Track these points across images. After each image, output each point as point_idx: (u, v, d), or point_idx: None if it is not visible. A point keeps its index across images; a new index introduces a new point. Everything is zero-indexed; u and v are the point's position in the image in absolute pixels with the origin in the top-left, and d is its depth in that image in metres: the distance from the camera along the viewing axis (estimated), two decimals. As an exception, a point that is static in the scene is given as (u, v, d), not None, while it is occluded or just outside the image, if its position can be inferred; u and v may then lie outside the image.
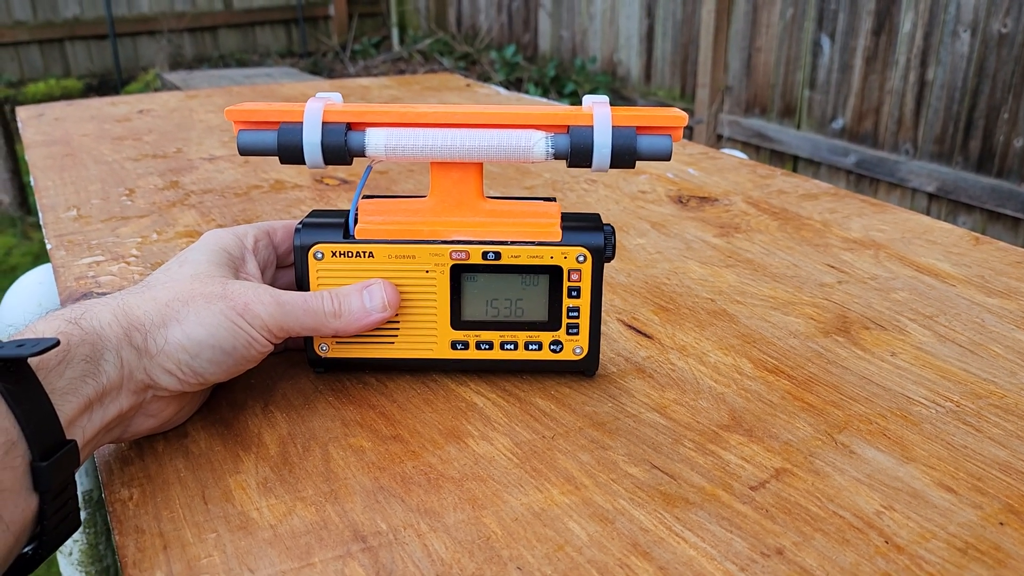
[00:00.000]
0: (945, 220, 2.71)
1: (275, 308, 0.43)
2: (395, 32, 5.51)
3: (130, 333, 0.39)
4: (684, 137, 3.63)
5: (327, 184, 0.89)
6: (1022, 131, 2.43)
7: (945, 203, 2.71)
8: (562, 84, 4.19)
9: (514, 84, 4.41)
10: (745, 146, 3.36)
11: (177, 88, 3.51)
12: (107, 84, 4.93)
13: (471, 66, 4.81)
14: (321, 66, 5.19)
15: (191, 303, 0.41)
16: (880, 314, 0.59)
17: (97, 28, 4.92)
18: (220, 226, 0.76)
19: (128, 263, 0.68)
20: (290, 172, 0.93)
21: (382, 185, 0.89)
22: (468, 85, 1.47)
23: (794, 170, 3.17)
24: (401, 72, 4.94)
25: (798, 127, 3.12)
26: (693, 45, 3.50)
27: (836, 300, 0.61)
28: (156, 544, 0.37)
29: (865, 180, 2.93)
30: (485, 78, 4.48)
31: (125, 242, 0.72)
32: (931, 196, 2.74)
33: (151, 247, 0.71)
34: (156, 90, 4.20)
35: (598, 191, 0.87)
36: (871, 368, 0.52)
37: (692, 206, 0.82)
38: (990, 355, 0.54)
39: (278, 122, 0.45)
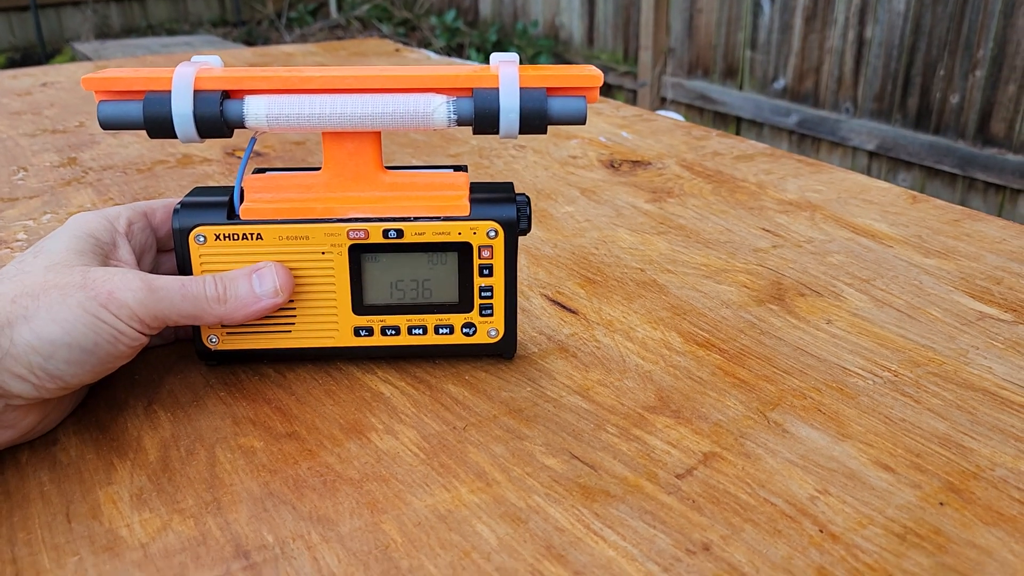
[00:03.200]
0: (885, 177, 2.73)
1: (145, 294, 0.38)
2: (332, -2, 5.36)
3: (-31, 335, 0.34)
4: (627, 101, 3.60)
5: (237, 157, 0.83)
6: (958, 88, 2.45)
7: (885, 160, 2.73)
8: (504, 49, 4.12)
9: (455, 50, 4.33)
10: (689, 108, 3.35)
11: (88, 59, 3.35)
12: (31, 57, 4.72)
13: (411, 32, 4.71)
14: (256, 35, 5.04)
15: (42, 297, 0.36)
16: (815, 279, 0.57)
17: (18, -1, 4.69)
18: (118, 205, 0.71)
19: (12, 248, 0.62)
20: (199, 145, 0.87)
21: (297, 156, 0.84)
22: (397, 50, 1.42)
23: (737, 131, 3.16)
24: (339, 39, 4.82)
25: (740, 88, 3.11)
26: (635, 7, 3.45)
27: (770, 266, 0.59)
28: (6, 573, 0.32)
29: (807, 139, 2.93)
30: (426, 44, 4.39)
31: (11, 226, 0.66)
32: (871, 154, 2.75)
33: (40, 230, 0.65)
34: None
35: (527, 157, 0.83)
36: (806, 338, 0.49)
37: (624, 171, 0.79)
38: (928, 319, 0.51)
39: (143, 91, 0.40)
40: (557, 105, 0.41)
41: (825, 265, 0.59)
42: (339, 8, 5.29)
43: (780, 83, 2.97)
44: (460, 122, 0.41)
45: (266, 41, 4.94)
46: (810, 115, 2.86)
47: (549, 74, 0.41)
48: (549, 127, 0.42)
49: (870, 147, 2.70)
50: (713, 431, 0.41)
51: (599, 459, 0.39)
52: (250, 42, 4.85)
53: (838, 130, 2.78)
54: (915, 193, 0.72)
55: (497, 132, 0.41)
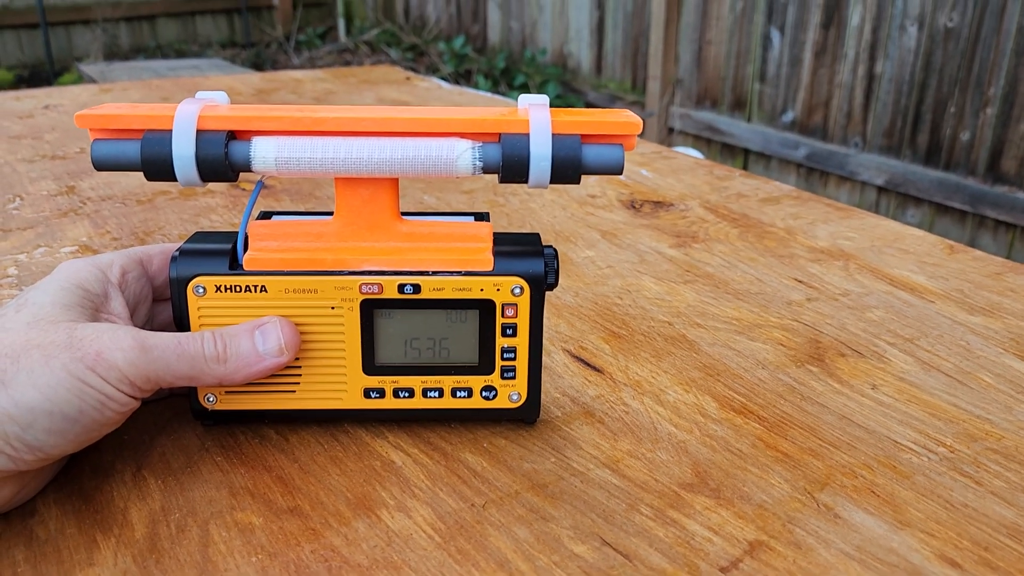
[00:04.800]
0: (894, 213, 2.70)
1: (137, 354, 0.34)
2: (341, 23, 5.37)
3: (-62, 402, 0.31)
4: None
5: (243, 189, 0.80)
6: (968, 125, 2.42)
7: (894, 196, 2.70)
8: (512, 76, 4.11)
9: (464, 76, 4.32)
10: (696, 139, 3.33)
11: (94, 81, 3.33)
12: (39, 75, 4.72)
13: (419, 57, 4.70)
14: (264, 57, 5.04)
15: (23, 358, 0.32)
16: (856, 337, 0.53)
17: (28, 17, 4.69)
18: (115, 240, 0.67)
19: (1, 286, 0.58)
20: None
21: (304, 190, 0.81)
22: (408, 78, 1.39)
23: (745, 164, 3.14)
24: (347, 63, 4.82)
25: (748, 120, 3.09)
26: (644, 37, 3.45)
27: (806, 321, 0.55)
28: (-32, 677, 0.29)
29: (815, 173, 2.91)
30: (434, 70, 4.38)
31: (2, 260, 0.63)
32: (880, 189, 2.72)
33: (32, 265, 0.62)
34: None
35: (543, 195, 0.80)
36: (851, 405, 0.46)
37: (646, 212, 0.76)
38: (980, 386, 0.48)
39: (142, 130, 0.36)
40: (592, 154, 0.38)
41: (864, 321, 0.55)
42: (348, 32, 5.30)
43: (789, 116, 2.95)
44: (486, 170, 0.38)
45: (274, 64, 4.94)
46: (819, 149, 2.84)
47: (583, 120, 0.38)
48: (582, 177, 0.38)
49: (879, 182, 2.68)
50: (758, 515, 0.37)
51: (633, 547, 0.35)
52: (258, 64, 4.85)
53: (847, 164, 2.76)
54: (951, 243, 0.69)
55: (526, 181, 0.38)
